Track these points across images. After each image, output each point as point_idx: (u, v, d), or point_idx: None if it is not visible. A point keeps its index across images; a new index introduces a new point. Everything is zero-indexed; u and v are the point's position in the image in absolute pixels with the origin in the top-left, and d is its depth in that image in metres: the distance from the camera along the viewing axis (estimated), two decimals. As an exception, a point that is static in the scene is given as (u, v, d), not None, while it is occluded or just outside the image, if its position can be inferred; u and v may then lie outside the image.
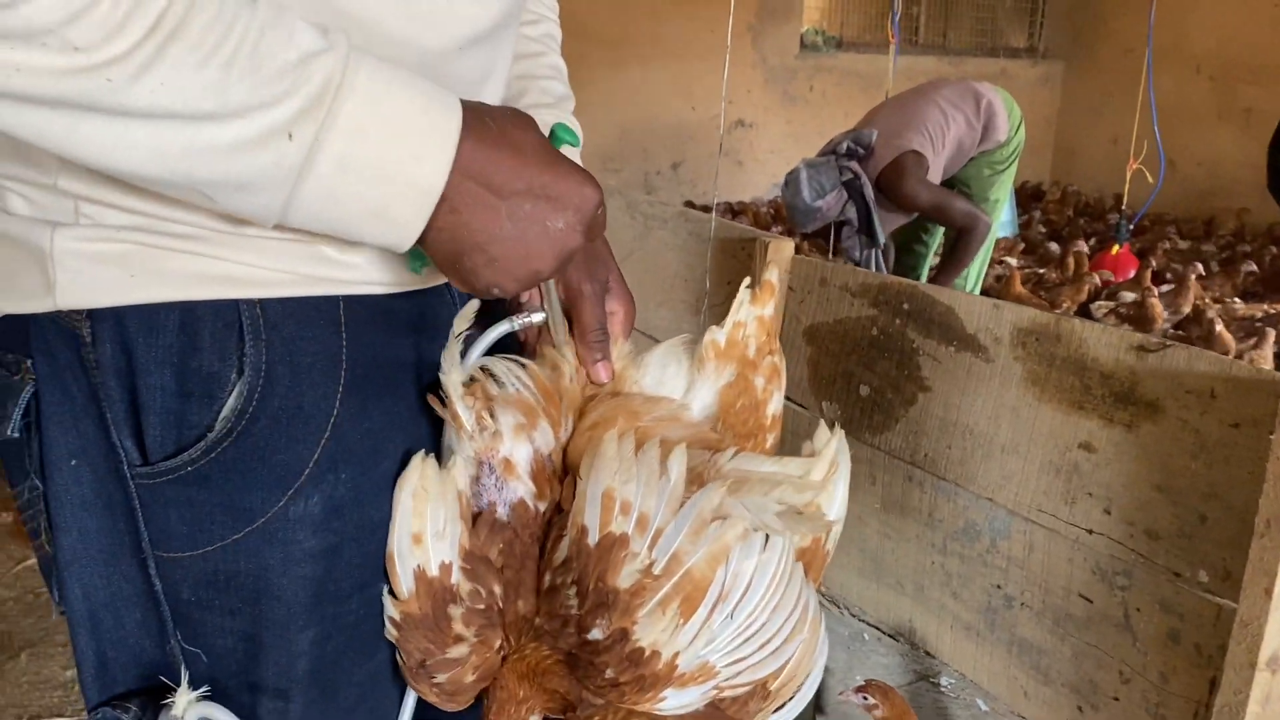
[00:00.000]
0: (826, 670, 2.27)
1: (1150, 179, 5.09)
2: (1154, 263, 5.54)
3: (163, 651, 0.80)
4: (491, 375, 0.84)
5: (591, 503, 0.78)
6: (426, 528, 0.80)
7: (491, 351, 0.86)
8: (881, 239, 3.90)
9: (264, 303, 0.73)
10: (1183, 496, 1.78)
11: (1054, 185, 8.45)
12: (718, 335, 0.92)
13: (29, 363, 0.75)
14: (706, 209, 3.57)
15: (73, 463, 0.76)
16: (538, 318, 0.87)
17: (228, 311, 0.73)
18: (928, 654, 2.37)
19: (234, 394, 0.73)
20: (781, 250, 2.57)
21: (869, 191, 3.81)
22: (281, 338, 0.74)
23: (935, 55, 8.00)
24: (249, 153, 0.60)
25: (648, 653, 0.77)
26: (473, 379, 0.83)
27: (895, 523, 2.38)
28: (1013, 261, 5.48)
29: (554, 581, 0.82)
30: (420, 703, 0.88)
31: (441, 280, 0.85)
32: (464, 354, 0.84)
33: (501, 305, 0.92)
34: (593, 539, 0.78)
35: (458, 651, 0.82)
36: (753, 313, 0.94)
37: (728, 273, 2.68)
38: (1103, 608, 1.93)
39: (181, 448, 0.74)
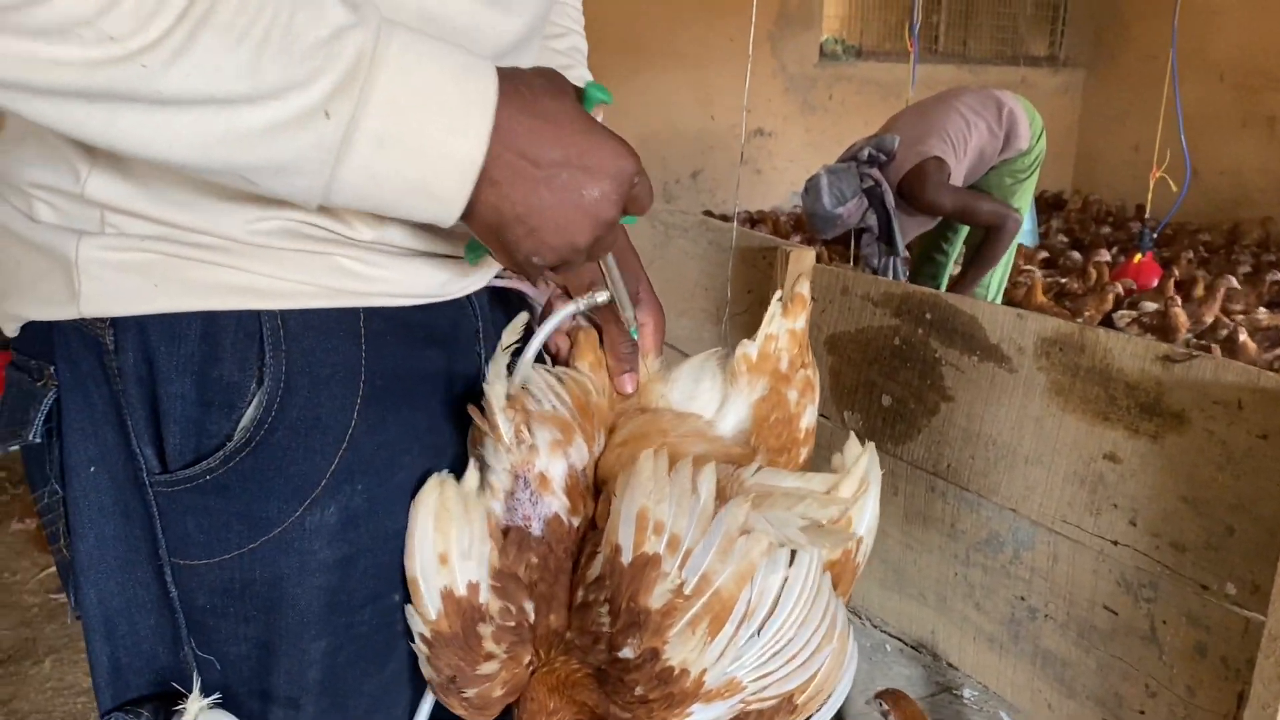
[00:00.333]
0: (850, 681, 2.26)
1: (1174, 187, 5.05)
2: (1177, 272, 5.50)
3: (176, 658, 0.81)
4: (528, 390, 0.84)
5: (626, 521, 0.78)
6: (452, 548, 0.80)
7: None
8: (901, 247, 3.88)
9: (285, 314, 0.74)
10: (1209, 508, 1.76)
11: (1075, 194, 8.41)
12: (749, 349, 0.92)
13: (52, 369, 0.76)
14: (725, 218, 3.56)
15: (92, 469, 0.76)
16: (603, 297, 0.86)
17: (249, 322, 0.73)
18: (950, 665, 2.35)
19: (253, 404, 0.74)
20: (803, 259, 2.56)
21: (890, 199, 3.79)
22: (301, 349, 0.74)
23: (955, 64, 7.98)
24: (287, 134, 0.60)
25: (677, 671, 0.77)
26: (509, 393, 0.83)
27: (917, 533, 2.36)
28: (1037, 272, 5.44)
29: (586, 598, 0.83)
30: (436, 710, 0.88)
31: (466, 290, 0.85)
32: (523, 346, 0.85)
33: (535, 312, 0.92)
34: (626, 558, 0.78)
35: (488, 668, 0.83)
36: (784, 325, 0.93)
37: (749, 282, 2.68)
38: (1128, 620, 1.92)
39: (200, 456, 0.74)
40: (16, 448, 0.80)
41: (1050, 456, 2.04)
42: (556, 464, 0.84)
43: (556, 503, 0.84)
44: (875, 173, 3.76)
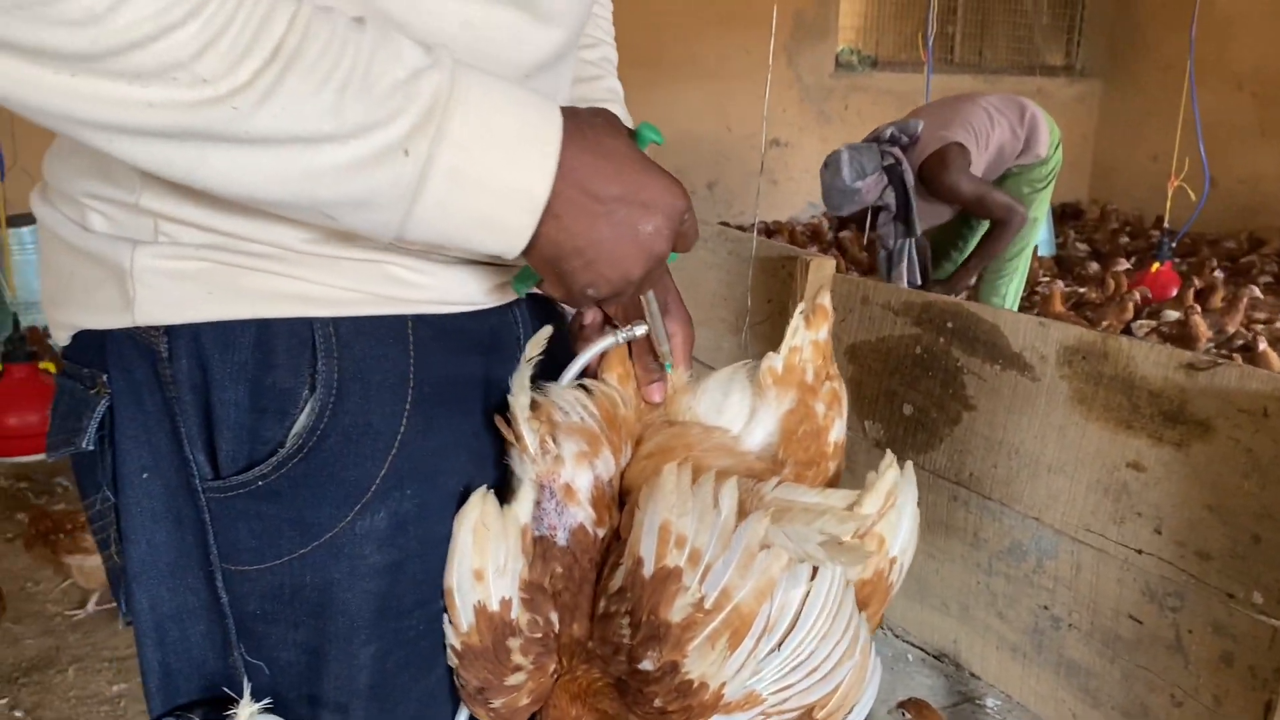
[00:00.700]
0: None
1: (1193, 197, 5.04)
2: (1198, 281, 5.47)
3: (225, 663, 0.81)
4: (555, 402, 0.85)
5: (648, 534, 0.79)
6: (488, 565, 0.80)
7: (542, 375, 0.86)
8: (918, 229, 3.87)
9: (337, 321, 0.74)
10: (1235, 517, 1.75)
11: (1093, 203, 8.39)
12: (775, 362, 0.92)
13: (104, 377, 0.77)
14: (741, 228, 3.56)
15: (144, 476, 0.77)
16: (641, 330, 0.87)
17: (302, 329, 0.74)
18: (973, 675, 2.34)
19: (306, 410, 0.74)
20: (823, 269, 2.57)
21: (909, 179, 3.78)
22: (353, 356, 0.75)
23: (971, 74, 7.98)
24: (367, 171, 0.62)
25: (696, 684, 0.77)
26: (536, 403, 0.84)
27: (940, 543, 2.36)
28: (1060, 284, 5.41)
29: (608, 609, 0.83)
30: None
31: (510, 298, 0.86)
32: (547, 360, 0.85)
33: (575, 325, 0.93)
34: (648, 570, 0.78)
35: (515, 679, 0.83)
36: (808, 337, 0.93)
37: (768, 291, 2.68)
38: (1153, 629, 1.91)
39: (253, 462, 0.75)
40: (67, 455, 0.80)
41: (1073, 465, 2.03)
42: (582, 475, 0.84)
43: (582, 513, 0.84)
44: (896, 151, 3.76)
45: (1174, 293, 5.31)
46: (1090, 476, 2.00)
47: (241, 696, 0.79)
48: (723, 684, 0.77)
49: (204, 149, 0.60)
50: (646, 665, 0.78)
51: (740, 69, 6.82)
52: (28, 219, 4.62)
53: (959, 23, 8.20)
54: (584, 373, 0.89)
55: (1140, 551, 1.91)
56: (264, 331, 0.73)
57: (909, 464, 0.91)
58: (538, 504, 0.83)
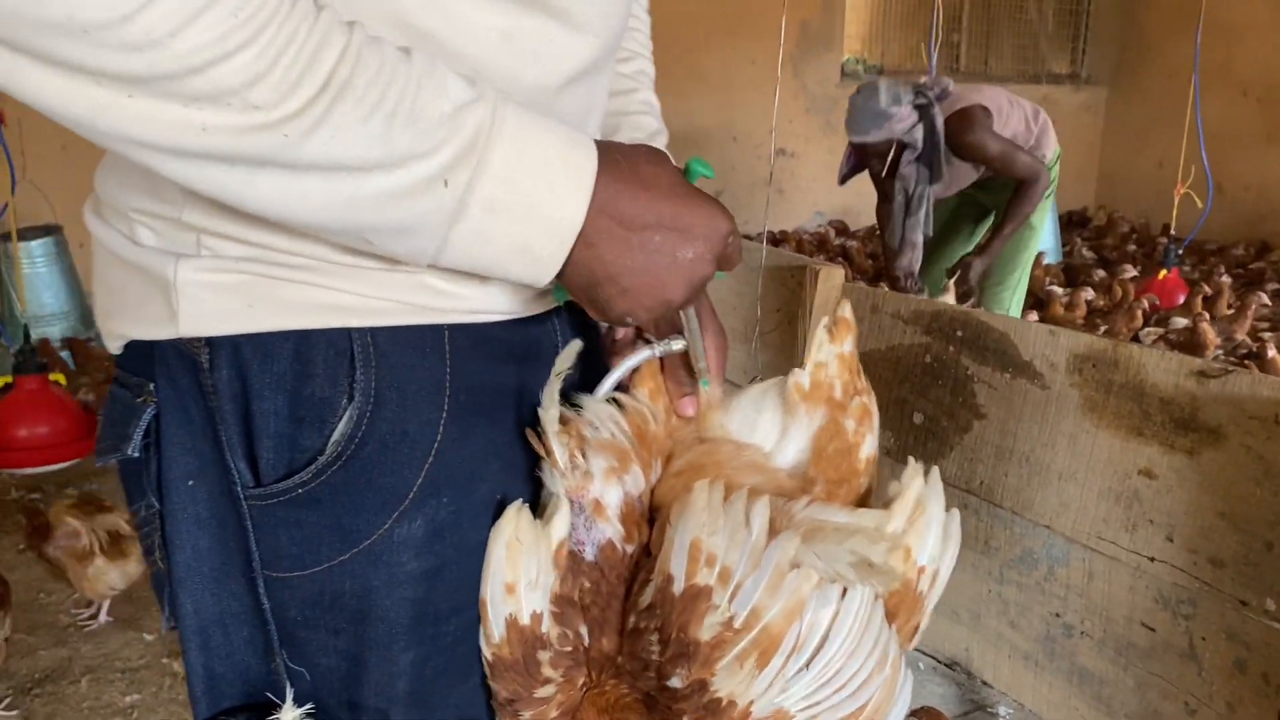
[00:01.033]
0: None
1: (1199, 203, 5.04)
2: (1207, 288, 5.46)
3: (268, 669, 0.82)
4: (586, 416, 0.85)
5: (679, 552, 0.79)
6: (520, 579, 0.81)
7: (568, 386, 0.87)
8: (943, 172, 3.83)
9: (374, 331, 0.75)
10: (1248, 523, 1.75)
11: (1099, 210, 8.39)
12: (801, 378, 0.92)
13: (151, 386, 0.78)
14: (748, 238, 3.56)
15: (190, 483, 0.78)
16: (678, 345, 0.88)
17: (340, 339, 0.75)
18: (985, 684, 2.34)
19: (344, 419, 0.75)
20: (832, 278, 2.57)
21: (939, 122, 3.77)
22: (390, 365, 0.76)
23: (977, 82, 7.98)
24: (409, 199, 0.64)
25: (724, 702, 0.78)
26: (566, 418, 0.84)
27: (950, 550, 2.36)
28: (1084, 294, 5.38)
29: (637, 624, 0.83)
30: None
31: (547, 307, 0.86)
32: (577, 374, 0.86)
33: (611, 337, 0.94)
34: (678, 588, 0.79)
35: (545, 692, 0.84)
36: (832, 351, 0.93)
37: (777, 300, 2.69)
38: (1166, 636, 1.91)
39: (292, 470, 0.76)
40: (115, 461, 0.82)
41: (1084, 473, 2.04)
42: (611, 491, 0.85)
43: (611, 529, 0.85)
44: (930, 94, 3.76)
45: (1181, 300, 5.31)
46: (1101, 484, 2.00)
47: (283, 702, 0.80)
48: (750, 702, 0.78)
49: (253, 173, 0.61)
50: (675, 682, 0.79)
51: (746, 79, 6.84)
52: (38, 232, 4.65)
53: (964, 31, 8.21)
54: (619, 386, 0.89)
55: (1153, 559, 1.92)
56: (303, 342, 0.74)
57: (934, 470, 0.90)
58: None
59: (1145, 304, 5.11)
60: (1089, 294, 5.36)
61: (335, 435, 0.75)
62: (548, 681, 0.83)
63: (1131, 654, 1.98)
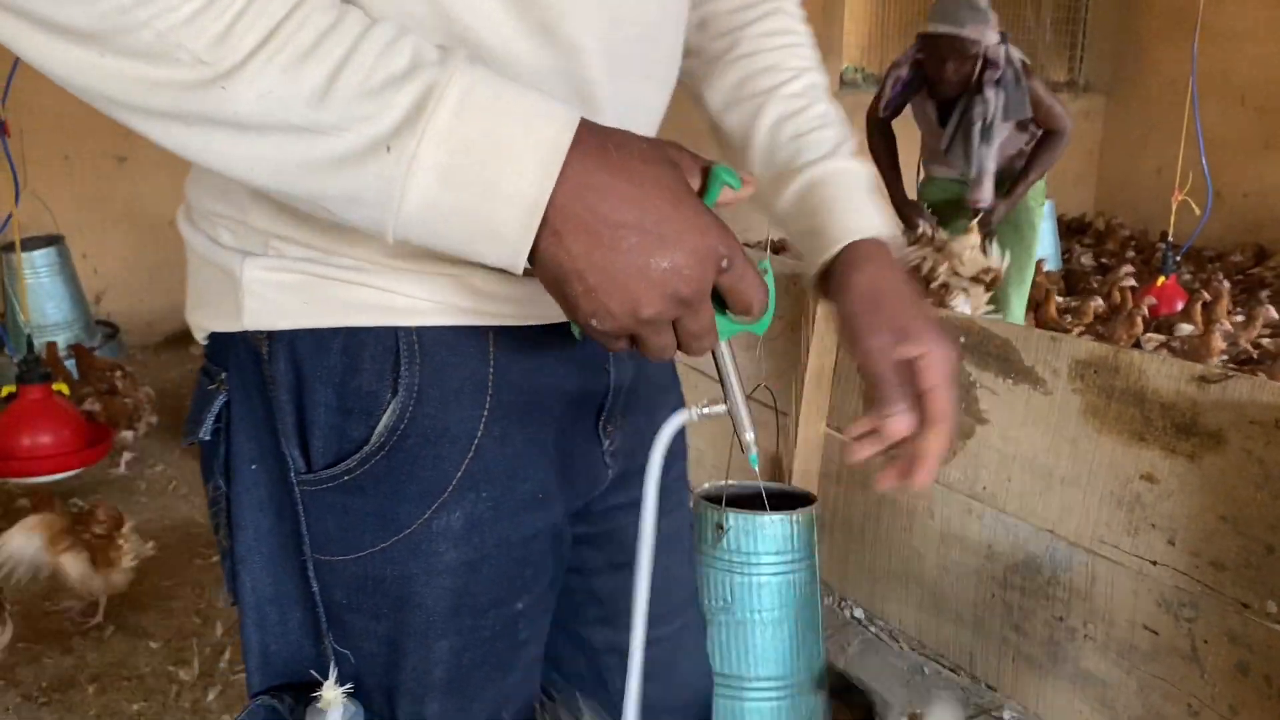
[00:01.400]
0: (886, 704, 2.27)
1: (1196, 210, 5.05)
2: (1207, 295, 5.47)
3: (317, 650, 0.86)
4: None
5: None
6: None
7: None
8: (1025, 108, 3.75)
9: (420, 330, 0.78)
10: (1249, 527, 1.77)
11: (1099, 216, 8.42)
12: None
13: (224, 376, 0.83)
14: (749, 245, 3.57)
15: (253, 466, 0.83)
16: (718, 409, 0.81)
17: (387, 337, 0.78)
18: (989, 687, 2.35)
19: (388, 412, 0.78)
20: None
21: (1015, 55, 3.75)
22: (434, 363, 0.79)
23: (975, 90, 8.00)
24: (355, 165, 0.62)
25: None
26: None
27: (954, 555, 2.37)
28: (1095, 302, 5.34)
29: None
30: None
31: None
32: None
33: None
34: None
35: None
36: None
37: (780, 308, 2.70)
38: (1169, 639, 1.92)
39: (340, 458, 0.79)
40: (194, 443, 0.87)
41: (1086, 477, 2.05)
42: None
43: None
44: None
45: (1180, 306, 5.32)
46: (1103, 489, 2.02)
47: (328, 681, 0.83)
48: None
49: (209, 133, 0.62)
50: None
51: (745, 87, 6.84)
52: (40, 243, 4.67)
53: (962, 40, 8.23)
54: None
55: (1155, 563, 1.93)
56: (352, 339, 0.77)
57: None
58: None
59: (1147, 310, 5.12)
60: (1098, 303, 5.35)
61: (379, 427, 0.78)
62: None
63: (1134, 657, 1.99)
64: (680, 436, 0.97)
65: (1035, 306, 5.06)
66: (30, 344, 3.96)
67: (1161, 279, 5.51)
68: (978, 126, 3.72)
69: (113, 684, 2.54)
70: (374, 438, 0.78)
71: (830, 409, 2.70)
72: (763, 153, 1.01)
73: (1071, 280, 6.20)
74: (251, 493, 0.83)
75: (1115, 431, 1.99)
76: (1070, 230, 7.85)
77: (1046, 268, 6.09)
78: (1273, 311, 5.21)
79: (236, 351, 0.81)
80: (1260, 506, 1.75)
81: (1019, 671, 2.26)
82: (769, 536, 2.06)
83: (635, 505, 0.84)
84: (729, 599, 2.07)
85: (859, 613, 2.68)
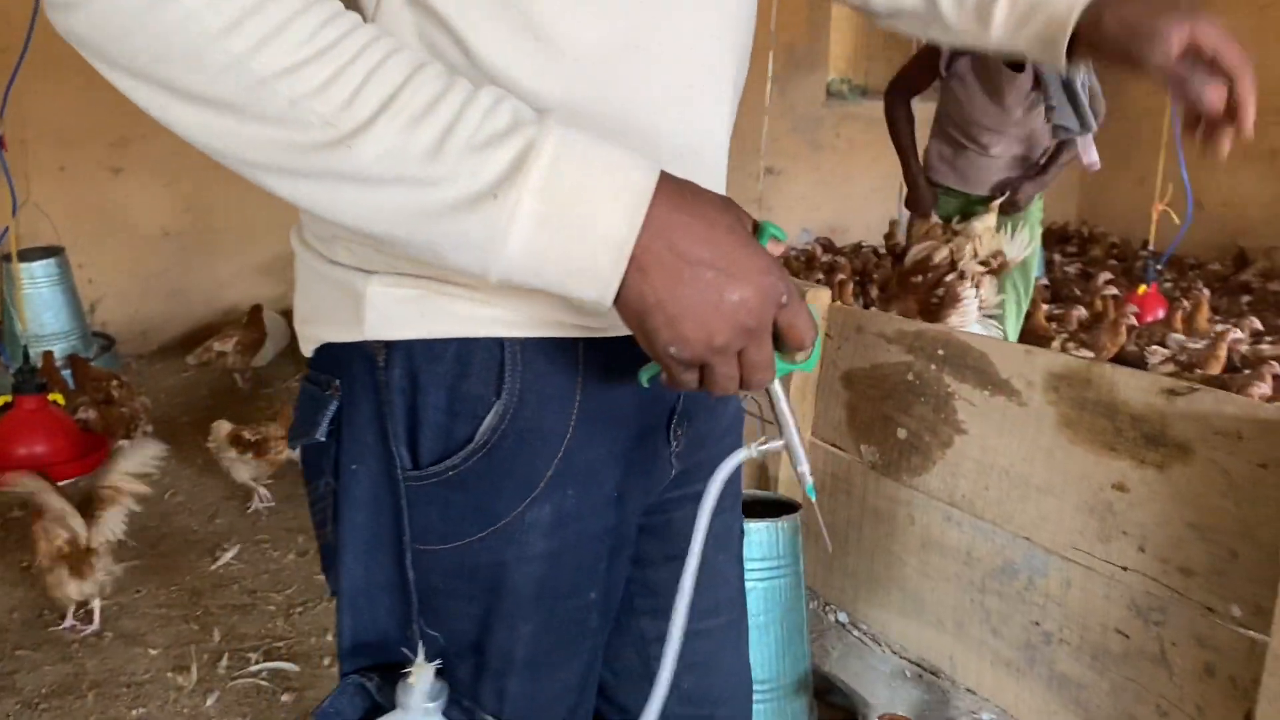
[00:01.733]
0: (868, 706, 2.34)
1: (1176, 220, 5.14)
2: (1186, 304, 5.54)
3: (403, 636, 0.94)
4: None
5: None
6: None
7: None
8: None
9: (522, 341, 0.87)
10: (1214, 534, 1.84)
11: (1082, 224, 8.50)
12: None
13: (336, 382, 0.91)
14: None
15: (354, 466, 0.91)
16: (775, 445, 0.88)
17: (493, 347, 0.86)
18: (968, 690, 2.42)
19: (491, 414, 0.87)
20: (819, 298, 2.66)
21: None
22: (533, 371, 0.87)
23: (960, 100, 8.08)
24: (465, 212, 0.71)
25: None
26: None
27: (934, 561, 2.44)
28: (1079, 312, 5.36)
29: None
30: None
31: None
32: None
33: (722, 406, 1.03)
34: None
35: None
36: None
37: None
38: (1139, 643, 1.99)
39: (446, 455, 0.88)
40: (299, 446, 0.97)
41: (1061, 486, 2.12)
42: None
43: None
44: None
45: (1161, 314, 5.40)
46: (1077, 497, 2.09)
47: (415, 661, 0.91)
48: None
49: (334, 186, 0.71)
50: None
51: (733, 98, 6.90)
52: (39, 253, 4.71)
53: (947, 50, 8.31)
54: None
55: (1125, 569, 2.00)
56: (463, 348, 0.86)
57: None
58: None
59: (1132, 319, 5.16)
60: (1081, 312, 5.42)
61: (483, 427, 0.87)
62: None
63: (1107, 660, 2.06)
64: (735, 435, 1.09)
65: (1026, 315, 5.11)
66: (26, 354, 4.00)
67: (1143, 288, 5.59)
68: (1080, 82, 3.67)
69: (111, 691, 2.58)
70: (477, 436, 0.87)
71: (815, 418, 2.76)
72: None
73: (1056, 288, 6.28)
74: (350, 491, 0.91)
75: (1088, 442, 2.06)
76: (1053, 239, 7.93)
77: (1035, 277, 6.15)
78: (1257, 323, 5.26)
79: (350, 359, 0.90)
80: (1225, 514, 1.82)
81: (997, 674, 2.32)
82: (755, 543, 2.13)
83: (691, 499, 0.93)
84: (715, 605, 2.12)
85: (842, 617, 2.74)
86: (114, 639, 2.81)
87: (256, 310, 4.83)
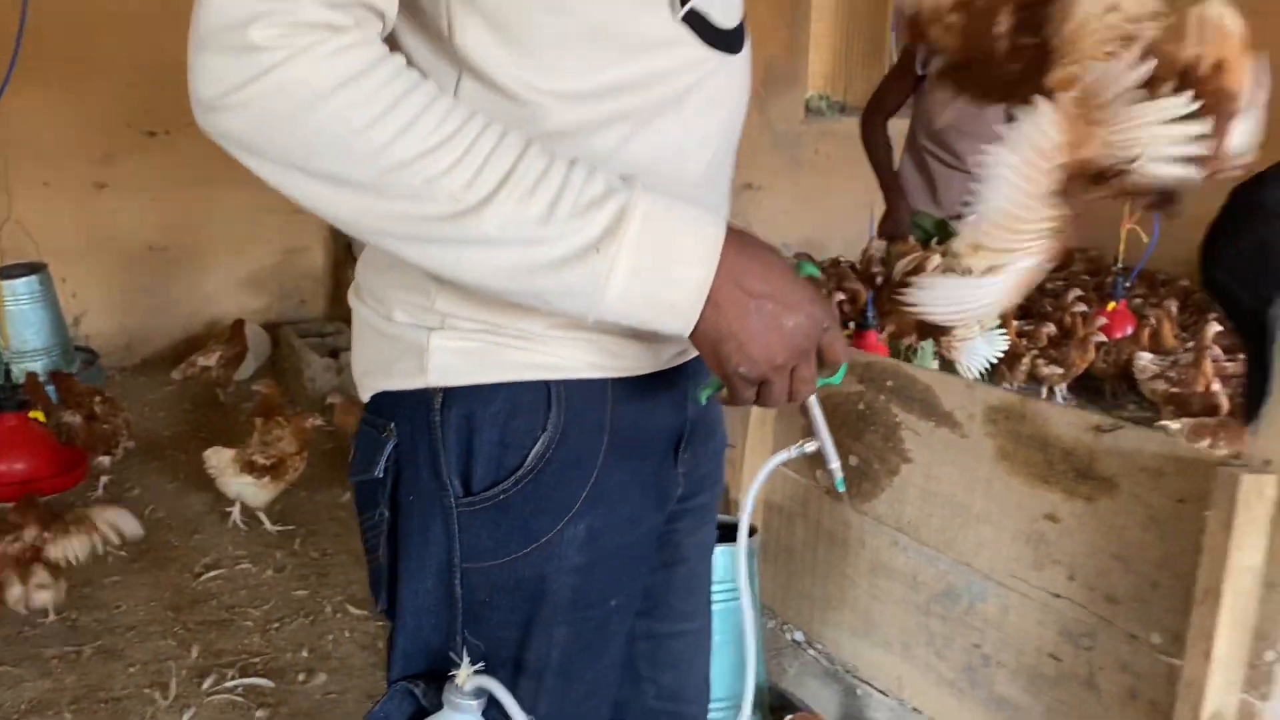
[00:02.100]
0: (819, 724, 2.43)
1: (1145, 238, 5.24)
2: (1153, 320, 5.58)
3: (447, 646, 1.06)
4: None
5: None
6: None
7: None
8: None
9: (565, 383, 1.00)
10: (1137, 565, 1.94)
11: (1058, 239, 8.59)
12: None
13: (392, 425, 1.04)
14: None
15: (411, 498, 1.04)
16: (811, 447, 1.07)
17: (541, 388, 1.00)
18: (915, 710, 2.51)
19: (539, 444, 1.00)
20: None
21: None
22: (573, 407, 1.01)
23: (938, 115, 8.16)
24: (572, 265, 0.86)
25: None
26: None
27: (883, 584, 2.53)
28: (1048, 328, 5.39)
29: None
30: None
31: (686, 358, 1.09)
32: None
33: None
34: None
35: None
36: None
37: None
38: (1070, 667, 2.09)
39: (497, 481, 1.00)
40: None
41: (999, 515, 2.22)
42: None
43: None
44: None
45: (1129, 331, 5.47)
46: (1014, 526, 2.18)
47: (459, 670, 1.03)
48: None
49: (459, 250, 0.86)
50: None
51: (713, 114, 6.97)
52: (22, 270, 4.77)
53: (926, 66, 8.39)
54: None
55: (1057, 595, 2.09)
56: (514, 390, 0.99)
57: None
58: None
59: (1102, 335, 5.22)
60: (1050, 328, 5.46)
61: (530, 455, 1.00)
62: None
63: (1041, 683, 2.15)
64: (719, 461, 1.27)
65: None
66: (8, 371, 4.06)
67: (1112, 304, 5.67)
68: None
69: (90, 707, 2.65)
70: (526, 462, 1.00)
71: (774, 441, 2.85)
72: None
73: (1026, 304, 6.34)
74: (408, 519, 1.04)
75: (1023, 474, 2.15)
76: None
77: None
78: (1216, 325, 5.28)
79: (406, 404, 1.02)
80: (1147, 546, 1.92)
81: (941, 694, 2.41)
82: (716, 566, 2.21)
83: (690, 512, 1.19)
84: (668, 628, 2.21)
85: (799, 635, 2.83)
86: (93, 655, 2.88)
87: (239, 325, 4.91)
